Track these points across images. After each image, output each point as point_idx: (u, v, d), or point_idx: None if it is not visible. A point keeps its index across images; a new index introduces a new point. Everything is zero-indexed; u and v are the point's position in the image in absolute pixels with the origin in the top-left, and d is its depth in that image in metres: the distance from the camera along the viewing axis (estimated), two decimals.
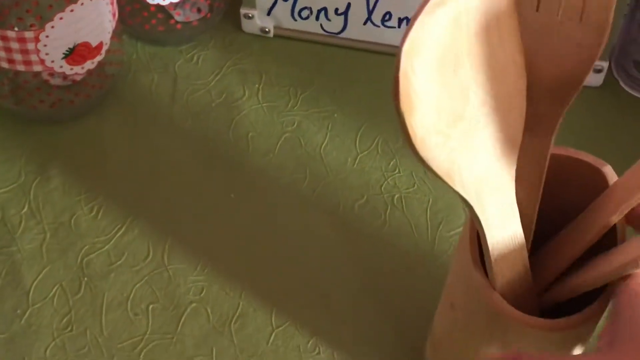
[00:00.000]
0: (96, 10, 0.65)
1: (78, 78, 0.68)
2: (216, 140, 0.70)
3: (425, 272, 0.64)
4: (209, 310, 0.62)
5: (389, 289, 0.63)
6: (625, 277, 0.43)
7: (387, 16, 0.72)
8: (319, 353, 0.60)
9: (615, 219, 0.46)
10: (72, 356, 0.60)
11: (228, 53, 0.75)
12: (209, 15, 0.74)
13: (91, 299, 0.62)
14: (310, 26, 0.74)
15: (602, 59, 0.70)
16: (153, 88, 0.72)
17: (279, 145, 0.70)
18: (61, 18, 0.63)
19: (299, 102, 0.72)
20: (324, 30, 0.74)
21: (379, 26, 0.73)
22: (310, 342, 0.61)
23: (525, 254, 0.48)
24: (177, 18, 0.73)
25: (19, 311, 0.61)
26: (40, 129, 0.70)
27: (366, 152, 0.69)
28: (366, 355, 0.60)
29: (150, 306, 0.62)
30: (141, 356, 0.60)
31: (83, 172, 0.68)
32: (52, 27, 0.63)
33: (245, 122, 0.71)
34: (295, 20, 0.74)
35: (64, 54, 0.65)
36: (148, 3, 0.71)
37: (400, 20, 0.72)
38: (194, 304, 0.62)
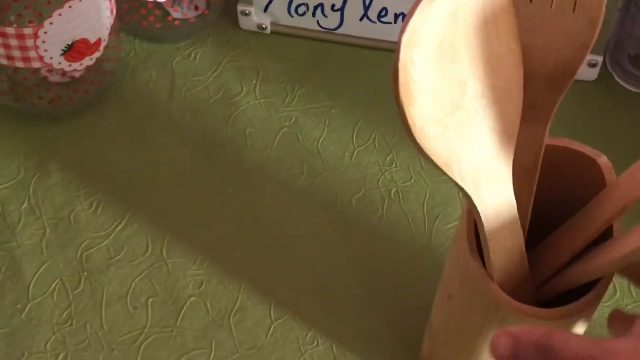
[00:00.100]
0: (94, 7, 0.65)
1: (77, 75, 0.68)
2: (214, 136, 0.70)
3: (422, 265, 0.64)
4: (208, 304, 0.62)
5: (387, 281, 0.63)
6: None
7: (383, 12, 0.73)
8: (317, 345, 0.61)
9: (616, 218, 0.46)
10: (72, 350, 0.60)
11: (225, 49, 0.75)
12: (206, 12, 0.74)
13: (91, 293, 0.62)
14: (307, 22, 0.74)
15: (596, 53, 0.71)
16: (151, 84, 0.73)
17: (276, 140, 0.70)
18: (60, 14, 0.63)
19: (296, 98, 0.72)
20: (321, 27, 0.75)
21: (375, 22, 0.73)
22: (308, 335, 0.61)
23: (522, 244, 0.48)
24: (175, 15, 0.73)
25: (19, 305, 0.62)
26: (39, 125, 0.70)
27: (363, 147, 0.70)
28: (364, 346, 0.61)
29: (150, 300, 0.62)
30: (141, 350, 0.60)
31: (82, 168, 0.68)
32: (51, 23, 0.63)
33: (242, 117, 0.71)
34: (292, 16, 0.74)
35: (62, 50, 0.65)
36: (146, 0, 0.72)
37: (396, 16, 0.73)
38: (193, 298, 0.62)
